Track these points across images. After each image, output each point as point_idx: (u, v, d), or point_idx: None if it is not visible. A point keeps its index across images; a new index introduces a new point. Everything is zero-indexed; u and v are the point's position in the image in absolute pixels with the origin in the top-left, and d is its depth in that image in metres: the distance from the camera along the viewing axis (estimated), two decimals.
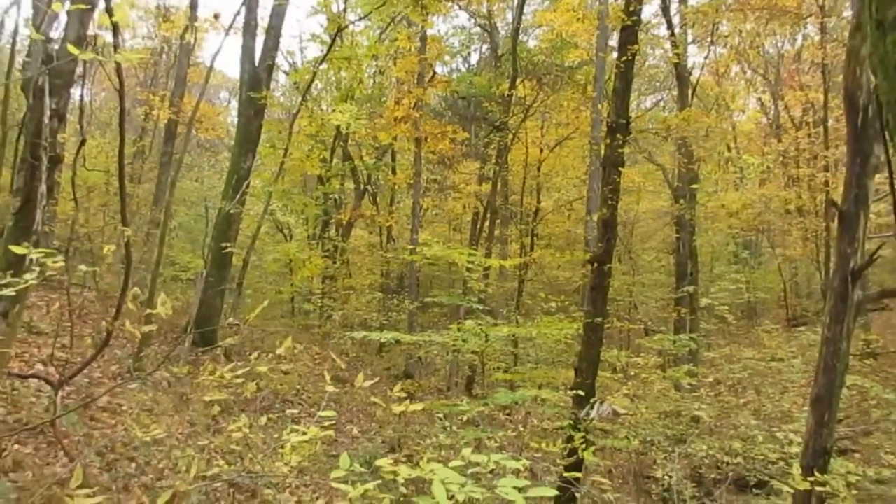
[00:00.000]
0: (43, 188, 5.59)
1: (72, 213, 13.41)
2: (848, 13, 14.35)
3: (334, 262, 17.97)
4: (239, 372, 2.83)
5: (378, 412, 11.53)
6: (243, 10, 13.31)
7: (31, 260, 3.11)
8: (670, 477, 7.74)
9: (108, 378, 8.79)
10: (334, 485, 2.43)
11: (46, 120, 6.24)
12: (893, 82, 1.34)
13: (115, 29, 5.36)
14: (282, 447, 2.79)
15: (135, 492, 5.94)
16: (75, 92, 11.58)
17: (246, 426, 2.92)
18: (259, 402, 9.41)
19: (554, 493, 2.21)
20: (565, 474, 4.53)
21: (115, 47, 5.50)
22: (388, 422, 10.97)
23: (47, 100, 6.23)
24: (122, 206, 7.43)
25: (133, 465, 6.70)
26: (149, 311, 2.52)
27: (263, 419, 3.13)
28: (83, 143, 6.87)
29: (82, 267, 3.85)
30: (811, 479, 4.15)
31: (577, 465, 5.50)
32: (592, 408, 6.19)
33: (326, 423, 2.82)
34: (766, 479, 8.96)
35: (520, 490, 2.12)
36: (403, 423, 10.76)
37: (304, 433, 2.68)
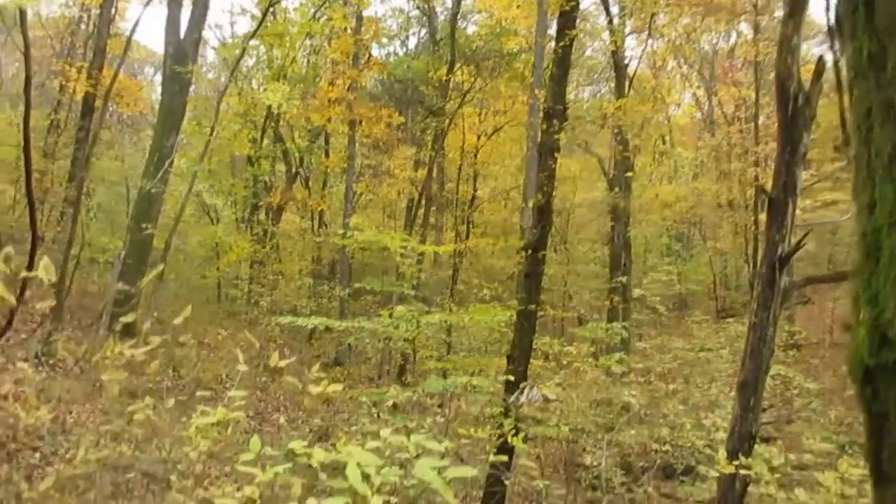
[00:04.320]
0: None
1: None
2: (780, 13, 14.80)
3: (263, 247, 17.55)
4: (142, 349, 2.65)
5: (306, 401, 11.30)
6: None
7: None
8: (599, 464, 7.82)
9: (12, 363, 8.31)
10: (241, 468, 2.30)
11: None
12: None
13: None
14: (186, 431, 2.63)
15: (37, 483, 5.62)
16: None
17: (150, 408, 2.74)
18: (179, 390, 9.09)
19: (473, 472, 2.15)
20: (492, 458, 4.48)
21: None
22: (315, 411, 10.77)
23: None
24: (27, 180, 6.99)
25: (37, 454, 6.37)
26: (23, 274, 2.32)
27: (171, 401, 2.96)
28: None
29: None
30: (736, 462, 4.21)
31: (506, 451, 5.47)
32: (522, 393, 6.18)
33: (235, 405, 2.68)
34: (693, 465, 9.19)
35: (439, 471, 2.04)
36: (332, 411, 10.59)
37: (213, 415, 2.54)
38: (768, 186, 4.86)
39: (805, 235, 4.56)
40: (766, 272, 4.56)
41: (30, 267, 6.44)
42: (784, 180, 4.59)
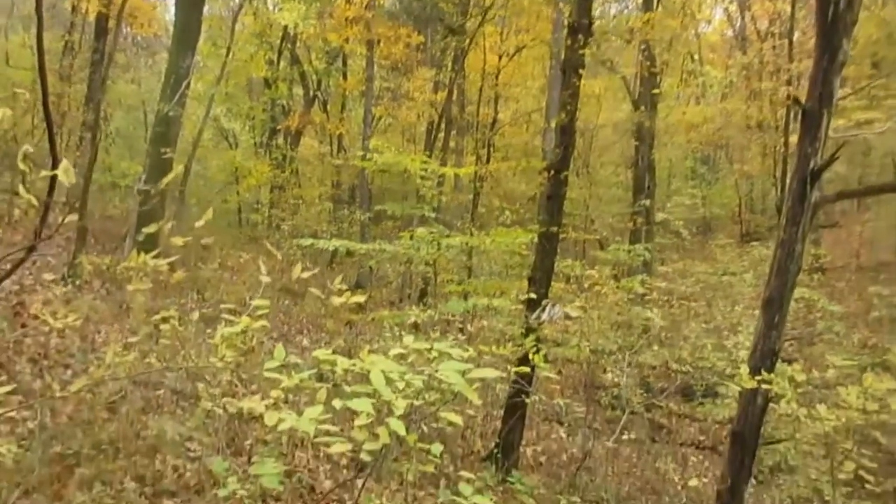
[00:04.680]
0: None
1: None
2: None
3: (283, 172, 17.55)
4: (165, 260, 2.68)
5: (328, 324, 11.50)
6: None
7: None
8: (619, 384, 7.93)
9: (40, 285, 8.50)
10: (267, 374, 2.35)
11: None
12: None
13: None
14: (211, 339, 2.67)
15: (70, 398, 5.82)
16: None
17: (175, 319, 2.79)
18: (204, 310, 9.27)
19: (497, 373, 2.18)
20: (515, 370, 4.55)
21: None
22: (338, 333, 10.96)
23: None
24: (44, 103, 6.94)
25: (69, 371, 6.56)
26: (44, 172, 2.32)
27: (196, 314, 3.00)
28: None
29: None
30: (758, 378, 4.23)
31: (527, 368, 5.55)
32: (544, 310, 6.22)
33: (259, 313, 2.72)
34: (714, 385, 9.29)
35: (462, 374, 2.06)
36: (354, 333, 10.77)
37: (237, 325, 2.58)
38: (802, 99, 4.70)
39: (839, 148, 4.42)
40: (797, 186, 4.47)
41: (51, 191, 6.49)
42: (820, 90, 4.43)
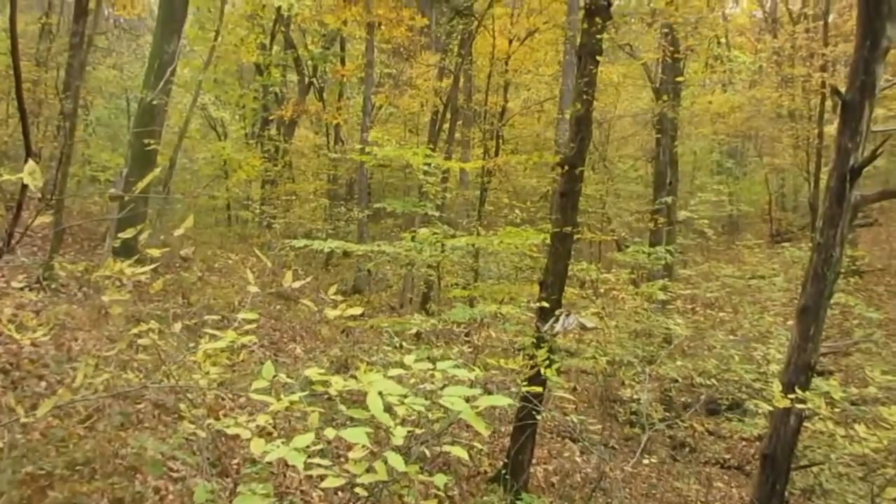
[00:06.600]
0: None
1: None
2: None
3: (275, 165, 17.53)
4: (143, 269, 2.64)
5: (323, 330, 11.48)
6: None
7: None
8: (638, 399, 7.88)
9: (12, 288, 8.49)
10: (254, 396, 2.31)
11: None
12: None
13: None
14: (194, 355, 2.63)
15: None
16: None
17: (155, 332, 2.75)
18: (188, 318, 9.24)
19: (507, 401, 2.13)
20: (525, 389, 4.50)
21: None
22: (334, 341, 10.94)
23: None
24: (17, 90, 6.91)
25: (43, 383, 6.55)
26: (7, 176, 2.28)
27: (178, 326, 2.96)
28: None
29: None
30: (792, 396, 4.18)
31: (539, 383, 5.50)
32: (557, 320, 6.17)
33: (246, 328, 2.68)
34: (741, 400, 9.23)
35: (468, 400, 2.01)
36: (351, 342, 10.75)
37: (222, 339, 2.54)
38: (841, 88, 4.64)
39: (883, 142, 4.36)
40: (836, 185, 4.41)
41: (23, 189, 6.45)
42: (861, 79, 4.37)
